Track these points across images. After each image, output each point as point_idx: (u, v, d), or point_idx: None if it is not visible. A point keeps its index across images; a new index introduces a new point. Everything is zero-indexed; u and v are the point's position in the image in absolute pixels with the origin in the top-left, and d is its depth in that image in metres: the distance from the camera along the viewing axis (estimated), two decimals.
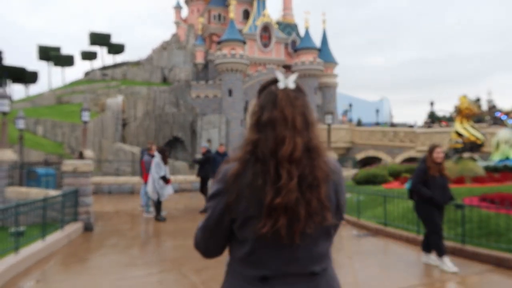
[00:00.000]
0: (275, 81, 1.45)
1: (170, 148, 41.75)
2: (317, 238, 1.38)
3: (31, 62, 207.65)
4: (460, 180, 10.50)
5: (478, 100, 56.13)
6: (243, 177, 1.35)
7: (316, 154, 1.37)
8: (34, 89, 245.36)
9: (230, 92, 45.92)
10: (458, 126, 12.69)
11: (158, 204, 9.80)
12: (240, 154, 1.40)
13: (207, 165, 11.19)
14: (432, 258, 5.94)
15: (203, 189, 11.36)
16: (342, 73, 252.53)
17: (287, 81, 1.42)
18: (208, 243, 1.50)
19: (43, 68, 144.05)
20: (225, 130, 43.98)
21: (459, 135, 12.59)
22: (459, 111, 12.73)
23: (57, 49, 60.07)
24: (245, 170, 1.36)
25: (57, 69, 74.16)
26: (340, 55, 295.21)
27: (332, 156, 1.47)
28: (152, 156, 10.58)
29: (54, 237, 7.19)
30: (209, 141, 41.39)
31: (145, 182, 10.66)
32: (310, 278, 1.39)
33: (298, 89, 1.44)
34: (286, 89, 1.41)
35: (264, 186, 1.31)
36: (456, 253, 6.35)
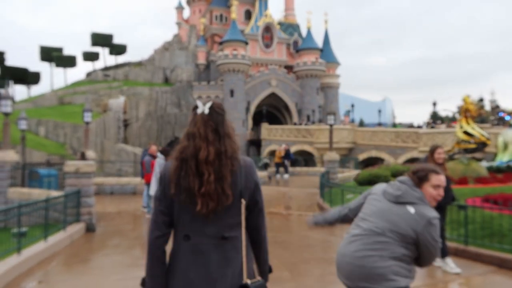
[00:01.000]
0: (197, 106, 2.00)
1: (172, 148, 41.76)
2: (227, 212, 1.88)
3: (33, 63, 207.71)
4: (463, 181, 10.47)
5: (481, 100, 55.98)
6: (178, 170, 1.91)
7: (224, 156, 1.88)
8: (36, 90, 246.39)
9: (232, 93, 45.94)
10: (466, 126, 12.58)
11: None
12: (175, 155, 1.93)
13: None
14: None
15: None
16: (344, 73, 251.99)
17: (204, 108, 1.94)
18: None
19: (45, 69, 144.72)
20: None
21: (469, 135, 12.48)
22: (466, 111, 12.62)
23: (59, 50, 60.19)
24: (178, 165, 1.92)
25: (59, 70, 74.26)
26: (342, 55, 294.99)
27: (243, 158, 1.99)
28: (153, 156, 10.57)
29: (56, 238, 7.20)
30: None
31: (147, 182, 10.66)
32: (221, 240, 1.88)
33: (215, 112, 1.94)
34: (202, 113, 1.93)
35: (187, 177, 1.86)
36: (459, 254, 6.33)
